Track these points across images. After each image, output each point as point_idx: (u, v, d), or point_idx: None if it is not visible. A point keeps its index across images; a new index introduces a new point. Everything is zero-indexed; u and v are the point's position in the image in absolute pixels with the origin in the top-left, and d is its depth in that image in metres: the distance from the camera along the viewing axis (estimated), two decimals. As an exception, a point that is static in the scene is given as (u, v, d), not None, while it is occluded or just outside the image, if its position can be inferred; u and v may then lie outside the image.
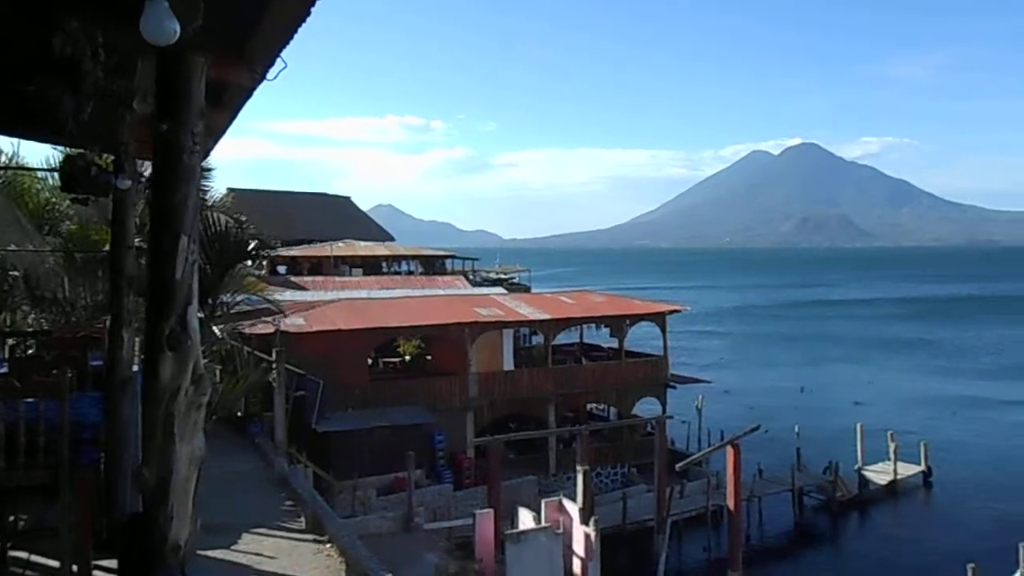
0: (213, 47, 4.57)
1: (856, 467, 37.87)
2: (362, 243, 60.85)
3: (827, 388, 64.78)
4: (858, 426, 39.76)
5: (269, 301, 24.35)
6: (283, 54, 4.99)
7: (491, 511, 22.89)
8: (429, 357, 39.53)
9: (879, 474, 37.97)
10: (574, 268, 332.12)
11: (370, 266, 57.42)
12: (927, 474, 39.10)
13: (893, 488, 37.60)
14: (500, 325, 34.42)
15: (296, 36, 4.72)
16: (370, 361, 35.95)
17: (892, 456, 38.35)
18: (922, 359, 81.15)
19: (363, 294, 42.05)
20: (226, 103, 6.11)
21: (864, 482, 37.19)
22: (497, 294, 44.07)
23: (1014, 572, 25.35)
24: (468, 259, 74.10)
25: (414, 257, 64.81)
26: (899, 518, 35.84)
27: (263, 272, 40.11)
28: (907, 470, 38.47)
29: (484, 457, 28.58)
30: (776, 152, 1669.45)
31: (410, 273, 60.93)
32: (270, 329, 26.25)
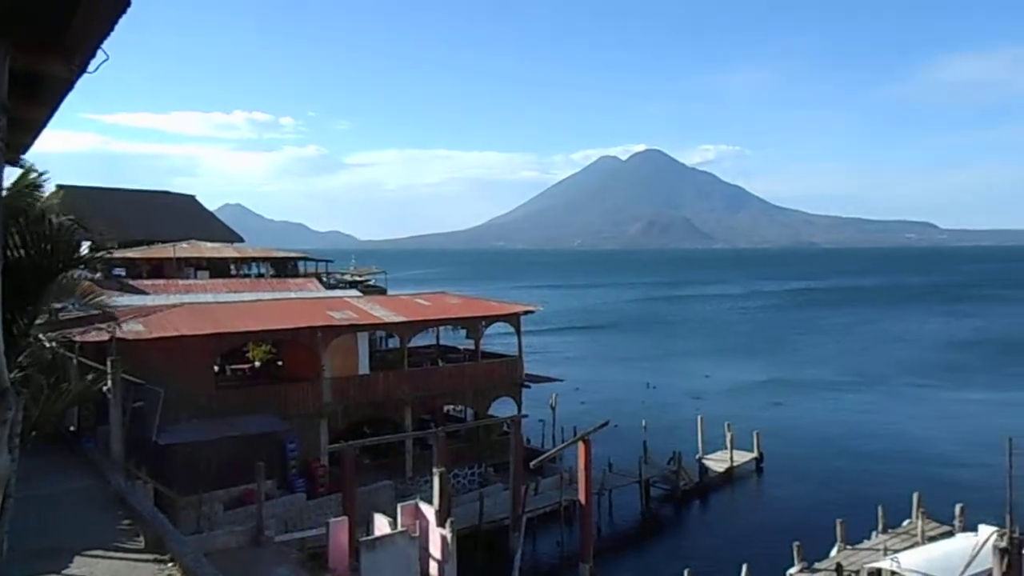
0: (18, 34, 4.25)
1: (697, 457, 40.31)
2: (208, 244, 58.12)
3: (671, 382, 68.26)
4: (699, 418, 42.35)
5: (103, 306, 22.79)
6: (107, 44, 4.71)
7: (345, 519, 22.50)
8: (280, 363, 38.33)
9: (717, 462, 40.58)
10: (431, 270, 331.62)
11: (217, 268, 55.08)
12: (759, 460, 42.16)
13: (730, 475, 40.25)
14: (354, 328, 33.85)
15: (129, 26, 4.48)
16: (217, 368, 34.43)
17: (729, 445, 41.12)
18: (755, 352, 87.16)
19: (209, 298, 40.19)
20: (43, 96, 5.69)
21: (704, 470, 39.59)
22: (352, 296, 43.33)
23: (833, 545, 27.84)
24: (322, 261, 72.57)
25: (264, 259, 62.78)
26: (735, 502, 38.37)
27: (98, 275, 37.51)
28: (742, 457, 41.33)
29: (339, 464, 28.01)
30: (624, 157, 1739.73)
31: (260, 275, 59.01)
32: (105, 336, 24.63)
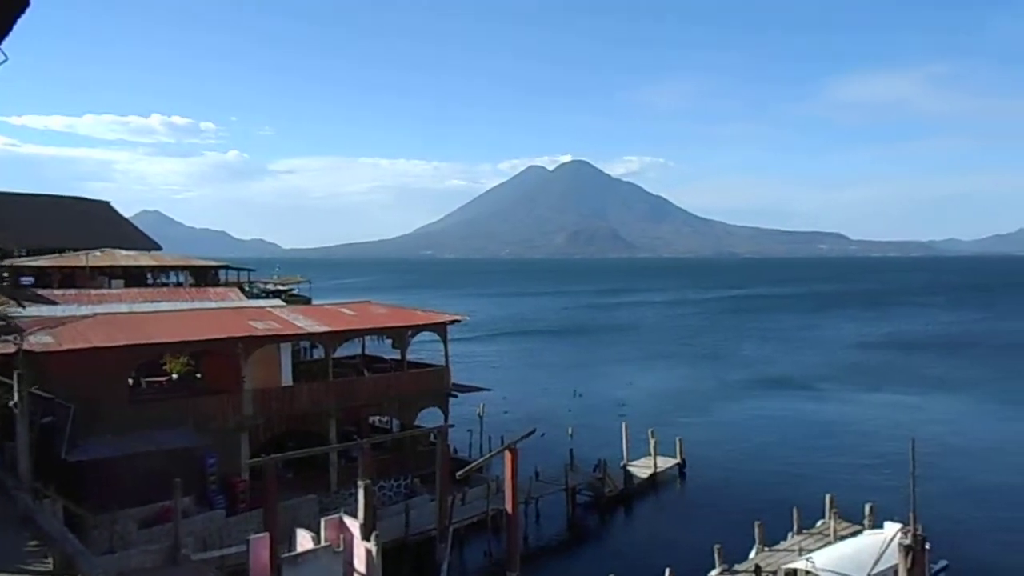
0: None
1: (622, 463, 40.95)
2: (123, 252, 56.23)
3: (598, 389, 69.15)
4: (623, 425, 43.05)
5: (9, 317, 21.82)
6: (5, 46, 4.59)
7: (267, 535, 21.99)
8: (199, 375, 37.28)
9: (641, 468, 41.32)
10: (358, 279, 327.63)
11: (133, 277, 53.34)
12: (682, 465, 43.12)
13: (653, 481, 41.02)
14: (277, 339, 33.19)
15: (35, 27, 4.36)
16: (132, 381, 33.24)
17: (652, 451, 41.92)
18: (679, 358, 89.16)
19: (124, 308, 38.85)
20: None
21: (629, 477, 40.25)
22: (274, 306, 42.49)
23: (752, 547, 28.69)
24: (244, 269, 71.21)
25: (183, 267, 61.06)
26: (659, 508, 39.11)
27: (4, 285, 35.85)
28: (665, 463, 42.21)
29: (260, 478, 27.36)
30: (550, 168, 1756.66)
31: (179, 285, 57.53)
32: (11, 349, 23.54)
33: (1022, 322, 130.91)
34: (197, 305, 42.63)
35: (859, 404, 63.10)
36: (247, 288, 61.20)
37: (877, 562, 22.98)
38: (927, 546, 22.40)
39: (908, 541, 21.28)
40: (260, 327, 32.99)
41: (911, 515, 22.40)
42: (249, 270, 71.52)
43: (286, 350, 34.71)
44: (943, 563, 27.27)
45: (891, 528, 24.96)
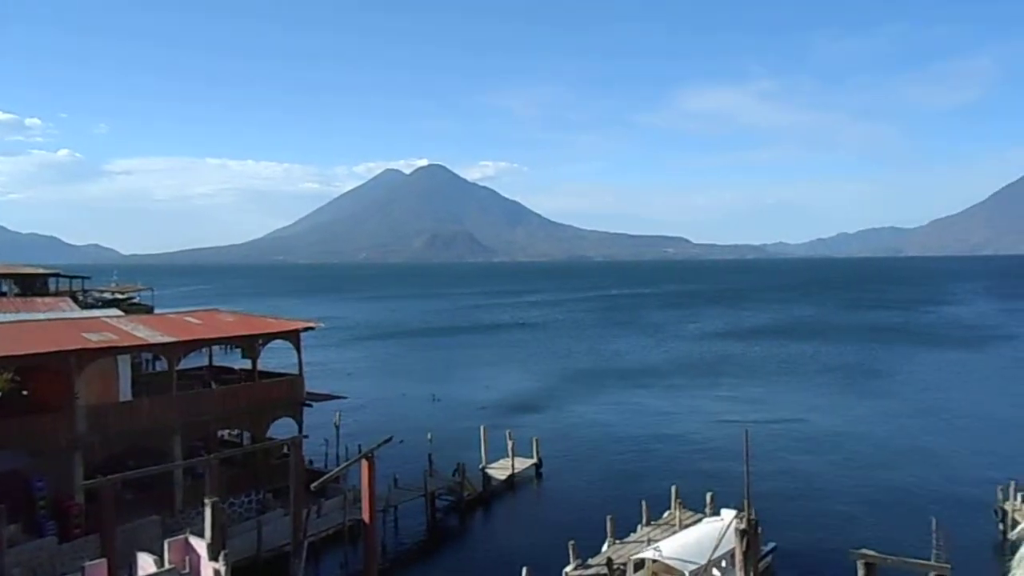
0: None
1: (481, 466, 41.42)
2: (-69, 260, 50.89)
3: (456, 394, 69.45)
4: (482, 428, 43.57)
5: None
6: None
7: (104, 561, 20.67)
8: (25, 392, 34.37)
9: (500, 470, 41.97)
10: (205, 286, 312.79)
11: (-57, 287, 48.45)
12: (539, 465, 44.15)
13: (512, 482, 41.75)
14: (114, 351, 31.13)
15: None
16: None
17: (510, 453, 42.70)
18: (534, 359, 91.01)
19: (-68, 322, 35.16)
20: None
21: (488, 479, 40.76)
22: (111, 316, 39.87)
23: (604, 540, 29.85)
24: (77, 277, 66.61)
25: (7, 275, 56.38)
26: (517, 508, 39.84)
27: None
28: (522, 464, 43.08)
29: (96, 501, 25.60)
30: (407, 171, 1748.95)
31: (2, 294, 52.96)
32: None
33: (845, 318, 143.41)
34: (23, 316, 39.37)
35: (702, 397, 66.91)
36: (81, 297, 57.15)
37: (716, 547, 24.55)
38: (759, 529, 24.20)
39: (743, 526, 22.90)
40: (95, 339, 30.83)
41: (745, 502, 24.12)
42: (83, 278, 66.83)
43: (125, 363, 32.64)
44: (772, 544, 29.45)
45: (728, 515, 26.78)
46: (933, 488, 39.80)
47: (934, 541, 23.58)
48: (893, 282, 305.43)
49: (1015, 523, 31.87)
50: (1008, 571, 28.09)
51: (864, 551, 20.96)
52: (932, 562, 21.81)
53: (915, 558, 21.83)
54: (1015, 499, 32.30)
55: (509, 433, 43.34)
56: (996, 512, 33.56)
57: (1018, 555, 28.08)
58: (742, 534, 22.66)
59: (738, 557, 22.90)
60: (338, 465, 36.90)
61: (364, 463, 27.38)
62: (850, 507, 37.16)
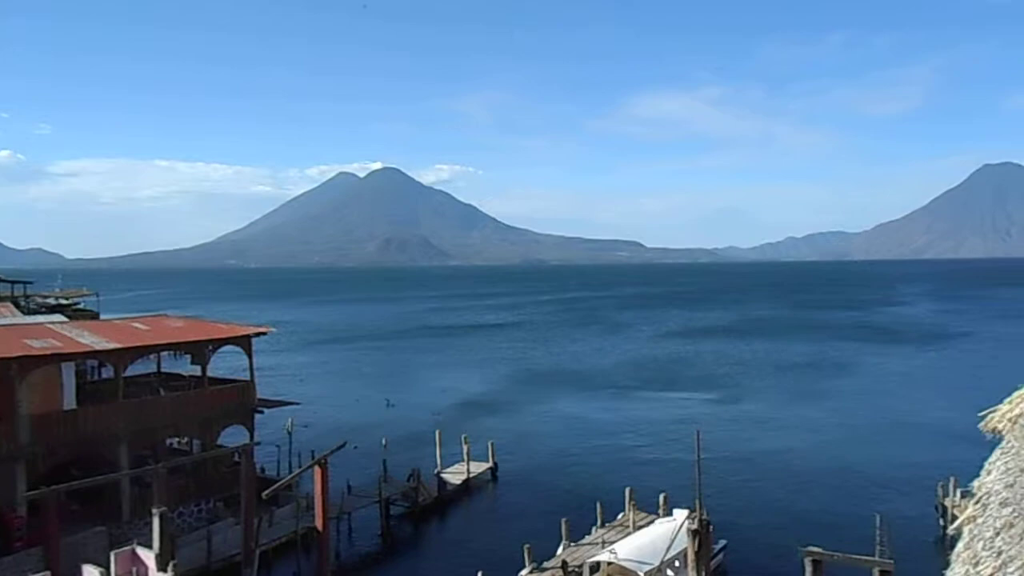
0: None
1: (436, 471, 41.27)
2: None
3: (410, 398, 69.07)
4: (437, 432, 43.43)
5: None
6: None
7: (47, 574, 20.11)
8: (-38, 402, 33.19)
9: (455, 475, 41.87)
10: (153, 291, 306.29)
11: None
12: (494, 469, 44.16)
13: (467, 486, 41.69)
14: (57, 358, 30.31)
15: None
16: None
17: (465, 457, 42.62)
18: (489, 363, 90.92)
19: None
20: None
21: (443, 484, 40.62)
22: (55, 322, 38.72)
23: (559, 543, 30.02)
24: (19, 282, 64.68)
25: (-60, 281, 54.19)
26: (472, 513, 39.81)
27: None
28: (478, 468, 43.04)
29: (39, 512, 24.88)
30: (361, 175, 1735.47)
31: (-65, 301, 50.90)
32: None
33: (795, 320, 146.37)
34: (-41, 324, 37.91)
35: (656, 398, 67.65)
36: (23, 303, 55.43)
37: (669, 547, 24.89)
38: (711, 528, 24.58)
39: (695, 526, 23.25)
40: (37, 346, 29.97)
41: (696, 502, 24.49)
42: (26, 283, 64.93)
43: (69, 370, 31.79)
44: (723, 543, 29.96)
45: (680, 515, 27.16)
46: (878, 486, 40.90)
47: (878, 537, 24.25)
48: (840, 285, 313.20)
49: (954, 518, 32.93)
50: (948, 565, 29.00)
51: (811, 548, 21.46)
52: (876, 558, 22.42)
53: (861, 555, 22.41)
54: (954, 495, 33.35)
55: (464, 437, 43.28)
56: (937, 508, 34.64)
57: (956, 549, 29.02)
58: (694, 534, 23.01)
59: (690, 557, 23.25)
60: (290, 472, 36.46)
61: (317, 470, 27.15)
62: (799, 505, 38.00)
